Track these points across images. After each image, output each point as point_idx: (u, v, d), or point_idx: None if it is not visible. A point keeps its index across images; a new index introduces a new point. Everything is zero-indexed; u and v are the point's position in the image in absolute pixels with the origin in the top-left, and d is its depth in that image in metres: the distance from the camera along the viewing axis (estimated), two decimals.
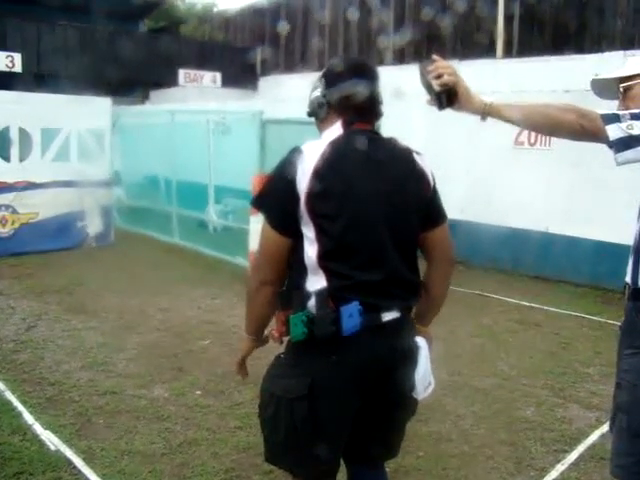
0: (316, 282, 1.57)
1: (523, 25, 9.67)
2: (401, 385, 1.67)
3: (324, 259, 1.56)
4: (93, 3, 11.73)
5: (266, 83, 13.05)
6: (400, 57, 10.50)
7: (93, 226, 7.26)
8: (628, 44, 8.18)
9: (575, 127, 1.53)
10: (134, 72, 11.55)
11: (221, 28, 15.78)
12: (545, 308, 5.36)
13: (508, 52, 9.11)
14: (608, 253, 5.68)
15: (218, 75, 12.31)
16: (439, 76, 1.54)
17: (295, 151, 1.63)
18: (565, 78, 7.01)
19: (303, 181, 1.55)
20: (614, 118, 1.55)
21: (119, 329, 4.54)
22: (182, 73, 11.86)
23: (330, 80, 1.64)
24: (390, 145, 1.68)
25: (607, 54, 7.62)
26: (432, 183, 1.70)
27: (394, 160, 1.66)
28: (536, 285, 6.19)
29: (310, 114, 1.72)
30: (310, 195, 1.54)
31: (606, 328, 4.68)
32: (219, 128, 7.21)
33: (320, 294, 1.56)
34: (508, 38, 9.35)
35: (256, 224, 5.16)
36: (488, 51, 9.13)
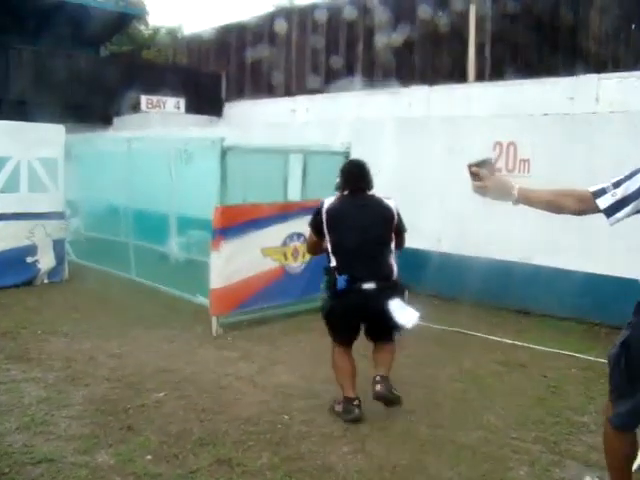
0: (332, 262, 3.49)
1: (495, 49, 9.63)
2: (377, 315, 3.44)
3: (333, 251, 3.51)
4: (51, 27, 11.37)
5: (231, 109, 12.95)
6: (369, 82, 10.38)
7: (45, 261, 6.82)
8: (602, 67, 8.15)
9: (575, 208, 2.20)
10: (93, 98, 11.17)
11: (185, 53, 15.56)
12: (530, 346, 5.08)
13: (480, 76, 9.02)
14: (593, 285, 5.45)
15: (182, 101, 12.17)
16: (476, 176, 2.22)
17: (321, 204, 3.64)
18: (541, 101, 6.93)
19: (323, 213, 3.57)
20: (601, 191, 2.15)
21: (64, 380, 4.10)
22: (144, 99, 11.61)
23: (342, 175, 3.68)
24: (370, 197, 3.67)
25: (582, 77, 7.58)
26: (395, 212, 3.63)
27: (371, 203, 3.63)
28: (519, 320, 5.92)
29: (336, 189, 3.70)
30: (326, 221, 3.55)
31: (596, 368, 4.41)
32: (182, 156, 6.89)
33: (332, 269, 3.49)
34: (480, 63, 9.32)
35: (217, 259, 4.95)
36: (460, 76, 9.07)
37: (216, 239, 5.07)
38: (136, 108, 11.81)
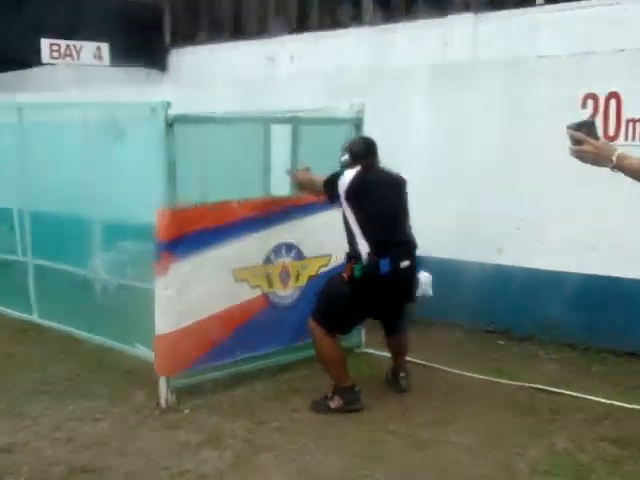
0: (364, 247, 4.61)
1: None
2: (406, 296, 4.92)
3: (364, 233, 4.63)
4: None
5: (180, 59, 12.59)
6: (386, 14, 10.02)
7: None
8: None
9: None
10: None
11: None
12: None
13: None
14: None
15: (104, 47, 11.82)
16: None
17: (339, 172, 4.78)
18: None
19: (345, 186, 4.69)
20: None
21: None
22: (46, 45, 11.25)
23: (353, 152, 4.88)
24: (386, 170, 4.96)
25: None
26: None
27: (392, 176, 4.94)
28: (625, 366, 5.77)
29: (342, 166, 4.83)
30: (350, 197, 4.68)
31: None
32: (108, 132, 6.52)
33: (368, 254, 4.59)
34: None
35: (165, 290, 4.80)
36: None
37: (162, 259, 4.85)
38: (35, 59, 11.41)
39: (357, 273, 4.64)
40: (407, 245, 4.80)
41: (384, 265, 4.59)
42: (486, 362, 5.81)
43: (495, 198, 6.43)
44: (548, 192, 6.14)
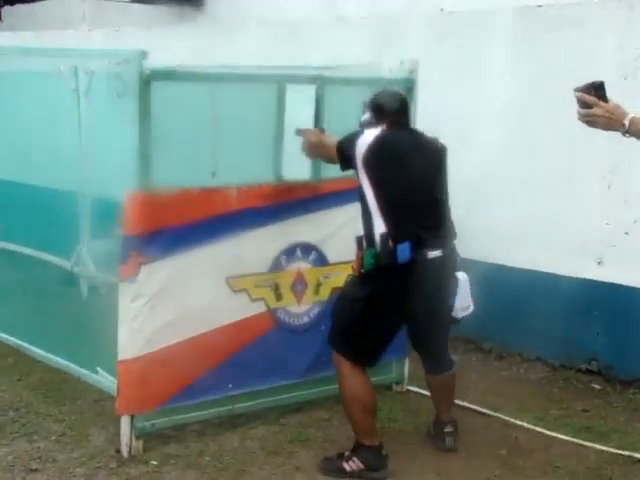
0: (379, 227, 4.21)
1: None
2: (439, 304, 4.34)
3: (383, 210, 4.22)
4: None
5: None
6: None
7: None
8: None
9: None
10: None
11: None
12: None
13: None
14: None
15: None
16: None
17: (359, 131, 4.39)
18: None
19: (363, 149, 4.24)
20: None
21: None
22: None
23: (377, 107, 4.48)
24: (421, 133, 4.58)
25: None
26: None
27: (427, 140, 4.52)
28: None
29: (361, 127, 4.48)
30: (369, 163, 4.25)
31: None
32: (111, 88, 6.17)
33: (382, 236, 4.19)
34: None
35: (131, 300, 4.58)
36: None
37: (129, 259, 4.55)
38: None
39: (368, 263, 4.25)
40: (439, 230, 4.37)
41: (403, 251, 4.19)
42: (571, 414, 5.37)
43: (596, 191, 5.96)
44: None
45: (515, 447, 4.80)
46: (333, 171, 4.90)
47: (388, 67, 5.31)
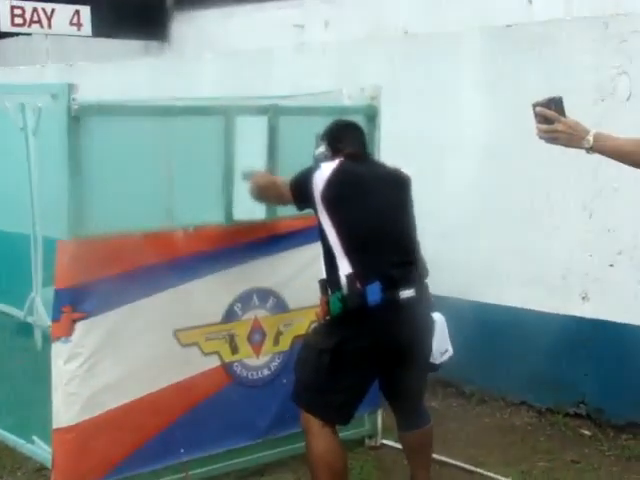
0: (344, 268, 3.87)
1: None
2: (415, 350, 3.96)
3: (346, 249, 3.89)
4: None
5: (185, 27, 12.69)
6: None
7: None
8: None
9: None
10: None
11: None
12: None
13: None
14: None
15: (84, 11, 11.56)
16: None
17: (314, 167, 4.10)
18: None
19: (320, 185, 3.94)
20: None
21: None
22: (5, 7, 11.12)
23: (331, 139, 4.21)
24: (380, 163, 4.46)
25: None
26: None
27: (387, 170, 4.25)
28: None
29: (316, 161, 4.20)
30: (327, 198, 3.92)
31: None
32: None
33: (349, 277, 3.84)
34: None
35: (64, 363, 4.21)
36: None
37: (62, 316, 4.21)
38: None
39: (335, 307, 3.90)
40: (410, 267, 4.01)
41: (373, 292, 3.83)
42: (561, 466, 4.99)
43: (577, 220, 5.65)
44: None
45: None
46: (289, 209, 4.59)
47: (347, 94, 5.06)
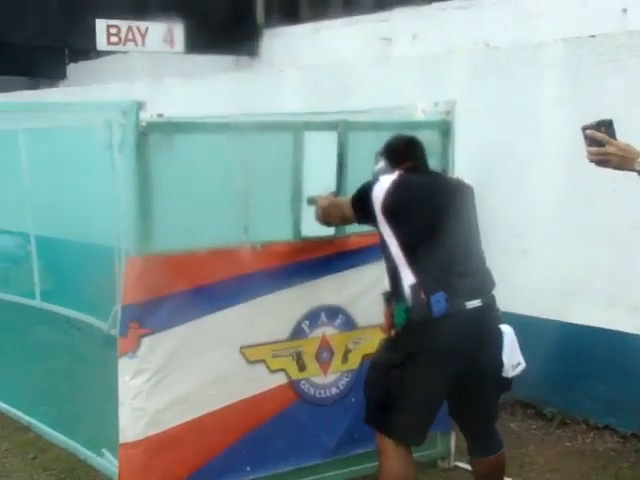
0: (408, 279, 3.84)
1: None
2: (485, 364, 3.85)
3: (409, 260, 3.86)
4: None
5: (275, 42, 12.67)
6: None
7: None
8: None
9: None
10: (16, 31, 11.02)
11: None
12: None
13: None
14: None
15: (177, 29, 11.68)
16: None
17: (373, 180, 4.09)
18: None
19: (379, 198, 3.92)
20: None
21: None
22: (102, 27, 11.20)
23: (390, 153, 4.22)
24: (441, 174, 4.54)
25: None
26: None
27: (449, 181, 4.38)
28: None
29: (374, 176, 4.18)
30: (387, 210, 3.91)
31: None
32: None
33: (413, 287, 3.81)
34: None
35: (130, 378, 4.21)
36: None
37: (129, 332, 4.22)
38: (90, 44, 11.57)
39: (400, 319, 3.87)
40: (475, 278, 3.96)
41: (438, 302, 3.79)
42: None
43: None
44: None
45: None
46: (358, 226, 4.54)
47: (422, 109, 4.97)
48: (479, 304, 3.86)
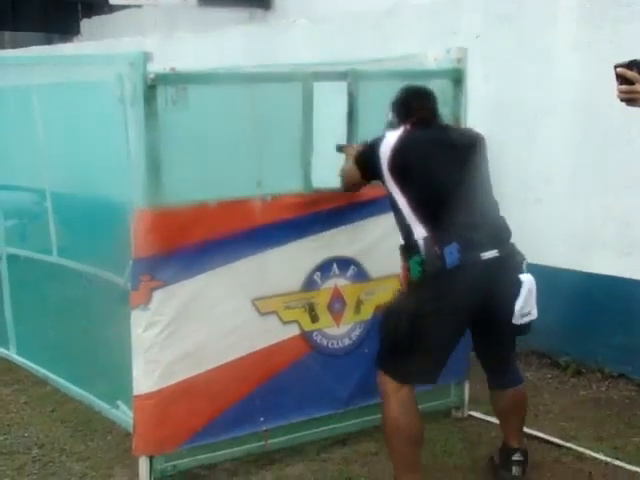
0: (420, 233, 3.85)
1: None
2: (496, 310, 3.89)
3: (419, 215, 3.87)
4: None
5: None
6: None
7: None
8: None
9: None
10: None
11: None
12: None
13: None
14: None
15: None
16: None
17: (379, 137, 4.03)
18: None
19: (386, 154, 3.91)
20: None
21: None
22: None
23: (398, 105, 4.20)
24: (451, 126, 4.44)
25: None
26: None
27: (460, 132, 4.35)
28: None
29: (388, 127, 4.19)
30: (394, 166, 3.90)
31: None
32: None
33: (426, 240, 3.82)
34: None
35: (143, 330, 4.21)
36: None
37: (140, 285, 4.18)
38: (103, 1, 11.49)
39: (415, 271, 3.89)
40: (491, 229, 3.96)
41: (451, 254, 3.80)
42: None
43: None
44: None
45: None
46: None
47: (433, 57, 4.85)
48: (496, 254, 3.87)
